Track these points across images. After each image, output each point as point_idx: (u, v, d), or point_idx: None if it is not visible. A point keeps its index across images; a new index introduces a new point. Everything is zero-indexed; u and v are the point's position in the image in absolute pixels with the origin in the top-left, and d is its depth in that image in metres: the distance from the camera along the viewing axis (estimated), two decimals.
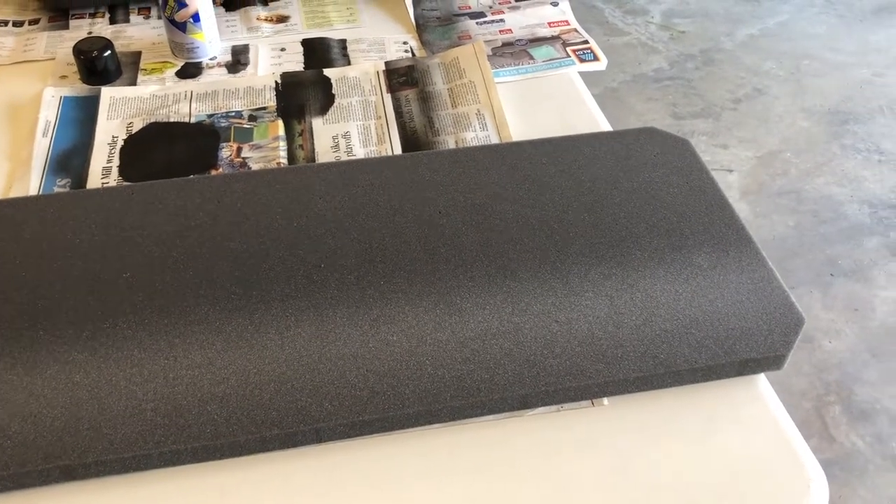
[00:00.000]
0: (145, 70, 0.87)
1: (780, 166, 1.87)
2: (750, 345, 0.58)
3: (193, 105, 0.82)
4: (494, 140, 0.78)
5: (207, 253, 0.64)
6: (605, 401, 0.57)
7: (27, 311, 0.60)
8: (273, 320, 0.60)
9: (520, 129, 0.80)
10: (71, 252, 0.64)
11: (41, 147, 0.77)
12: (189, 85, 0.85)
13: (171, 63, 0.88)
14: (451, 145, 0.78)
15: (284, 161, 0.76)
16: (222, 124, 0.80)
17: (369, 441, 0.55)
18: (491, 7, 0.98)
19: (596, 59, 0.90)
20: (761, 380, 0.59)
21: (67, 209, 0.68)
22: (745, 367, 0.58)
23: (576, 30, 0.94)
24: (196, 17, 0.85)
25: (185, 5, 0.84)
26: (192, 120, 0.81)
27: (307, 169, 0.73)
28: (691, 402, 0.57)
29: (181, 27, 0.86)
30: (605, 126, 0.81)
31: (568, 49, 0.91)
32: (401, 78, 0.86)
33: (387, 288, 0.62)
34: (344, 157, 0.77)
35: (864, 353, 1.50)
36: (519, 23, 0.95)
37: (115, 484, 0.52)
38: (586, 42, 0.92)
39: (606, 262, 0.64)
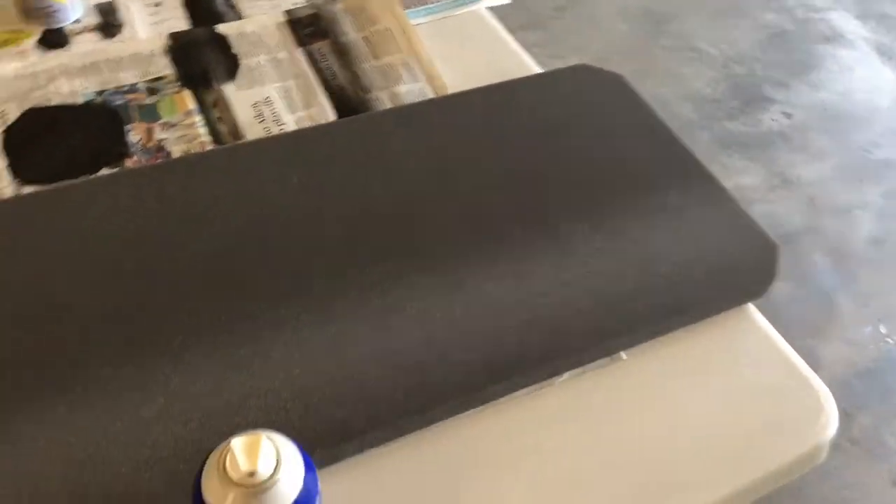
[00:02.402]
0: None
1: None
2: (740, 276, 0.61)
3: (75, 82, 0.70)
4: (429, 92, 0.74)
5: (166, 261, 0.56)
6: (623, 355, 0.58)
7: None
8: (272, 329, 0.54)
9: (449, 78, 0.76)
10: None
11: None
12: (60, 57, 0.72)
13: (25, 32, 0.74)
14: (387, 102, 0.73)
15: (208, 139, 0.68)
16: (118, 102, 0.69)
17: (408, 440, 0.52)
18: None
19: None
20: (751, 309, 0.62)
21: None
22: (739, 296, 0.61)
23: None
24: None
25: None
26: (80, 100, 0.69)
27: (246, 148, 0.66)
28: (698, 342, 0.59)
29: None
30: (532, 66, 0.80)
31: None
32: (306, 29, 0.78)
33: (379, 272, 0.58)
34: (273, 128, 0.70)
35: None
36: None
37: None
38: None
39: (587, 214, 0.63)
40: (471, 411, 0.54)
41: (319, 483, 0.34)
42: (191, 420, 0.49)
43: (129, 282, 0.55)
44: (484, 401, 0.54)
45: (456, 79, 0.76)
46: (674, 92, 1.95)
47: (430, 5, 0.83)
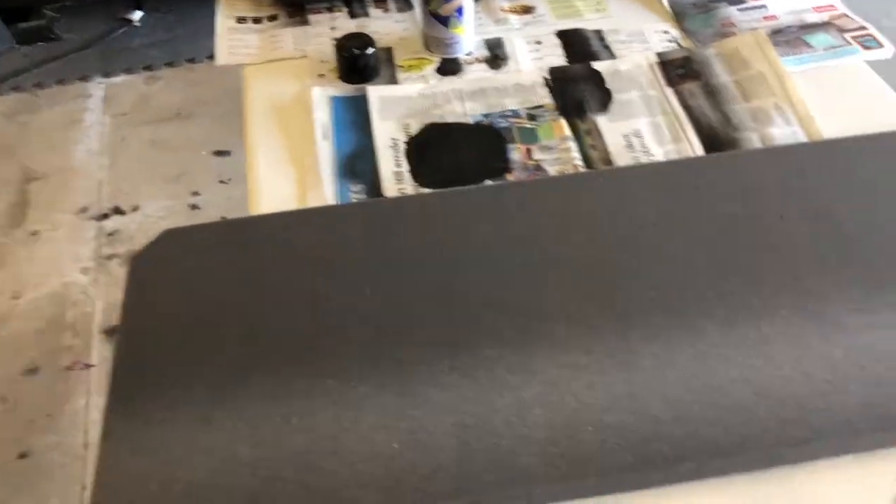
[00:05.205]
0: (403, 67, 0.84)
1: None
2: None
3: (466, 104, 0.79)
4: (802, 137, 0.73)
5: (547, 263, 0.61)
6: None
7: (380, 326, 0.57)
8: (643, 339, 0.55)
9: (823, 125, 0.74)
10: (412, 262, 0.61)
11: (325, 151, 0.74)
12: (455, 83, 0.81)
13: (427, 59, 0.85)
14: (758, 143, 0.72)
15: (580, 163, 0.72)
16: (502, 124, 0.77)
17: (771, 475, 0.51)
18: None
19: (879, 45, 0.83)
20: None
21: (386, 217, 0.65)
22: None
23: (847, 15, 0.88)
24: (460, 11, 0.82)
25: None
26: (469, 120, 0.77)
27: (619, 172, 0.69)
28: None
29: (444, 21, 0.82)
30: None
31: (846, 36, 0.84)
32: (678, 70, 0.81)
33: (751, 301, 0.57)
34: (642, 158, 0.72)
35: None
36: (783, 8, 0.89)
37: None
38: (864, 28, 0.85)
39: None
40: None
41: None
42: (565, 409, 0.52)
43: (513, 276, 0.60)
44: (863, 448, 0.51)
45: (831, 127, 0.74)
46: None
47: (804, 55, 0.82)
